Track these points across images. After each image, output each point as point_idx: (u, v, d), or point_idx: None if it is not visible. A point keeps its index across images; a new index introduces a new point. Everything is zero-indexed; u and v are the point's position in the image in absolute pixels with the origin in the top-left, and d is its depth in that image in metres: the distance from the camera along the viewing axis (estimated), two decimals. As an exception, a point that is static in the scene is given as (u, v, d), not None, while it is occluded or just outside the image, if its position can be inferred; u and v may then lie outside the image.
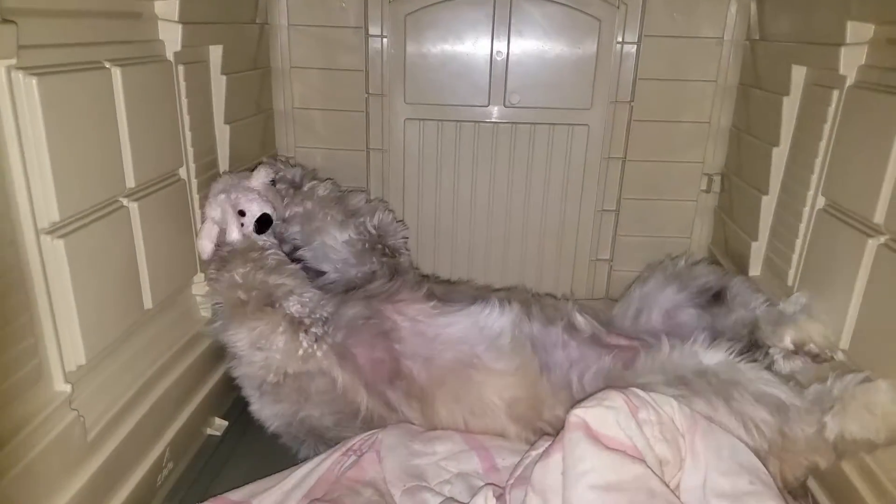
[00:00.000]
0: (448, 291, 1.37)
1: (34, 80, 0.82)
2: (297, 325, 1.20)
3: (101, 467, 0.99)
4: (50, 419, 0.89)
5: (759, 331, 1.24)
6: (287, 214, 1.43)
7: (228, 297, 1.22)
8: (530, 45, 1.62)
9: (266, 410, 1.27)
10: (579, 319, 1.28)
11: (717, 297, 1.33)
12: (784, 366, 1.20)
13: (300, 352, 1.19)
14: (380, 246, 1.45)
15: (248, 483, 1.13)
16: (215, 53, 1.33)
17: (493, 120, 1.68)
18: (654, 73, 1.63)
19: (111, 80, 0.99)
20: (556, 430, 1.13)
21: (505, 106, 1.66)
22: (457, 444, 1.17)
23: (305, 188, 1.46)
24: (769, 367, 1.21)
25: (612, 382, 1.11)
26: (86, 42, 0.95)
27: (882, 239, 0.98)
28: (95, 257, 0.98)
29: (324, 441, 1.25)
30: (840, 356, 1.11)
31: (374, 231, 1.45)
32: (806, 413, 1.01)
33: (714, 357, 1.08)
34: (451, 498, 1.06)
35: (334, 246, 1.43)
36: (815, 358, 1.16)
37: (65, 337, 0.93)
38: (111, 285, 1.03)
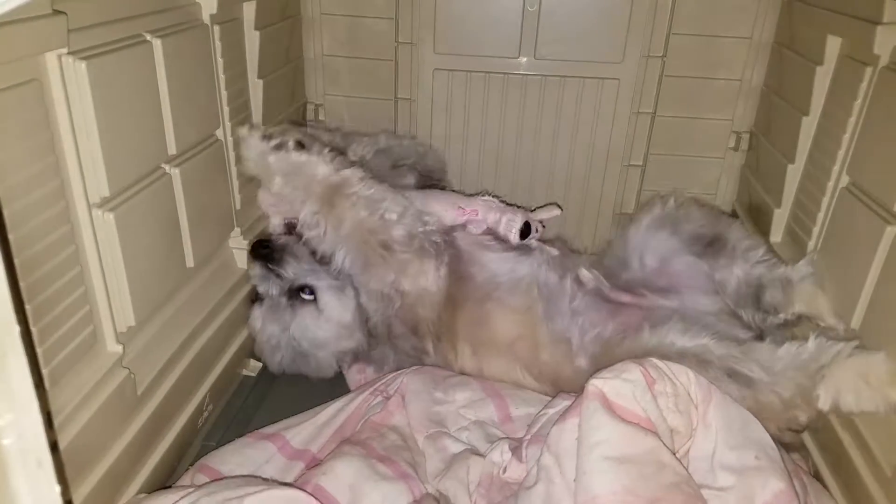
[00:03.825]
0: None
1: (83, 65, 0.84)
2: (423, 252, 1.25)
3: (151, 417, 1.06)
4: (105, 379, 0.95)
5: (765, 294, 1.25)
6: None
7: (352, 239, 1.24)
8: (563, -4, 1.59)
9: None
10: (585, 274, 1.32)
11: (712, 244, 1.31)
12: (787, 325, 1.25)
13: (425, 277, 1.26)
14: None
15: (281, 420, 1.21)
16: (249, 10, 1.32)
17: (523, 72, 1.67)
18: (687, 28, 1.60)
19: (153, 53, 1.01)
20: (553, 372, 1.23)
21: (535, 58, 1.65)
22: (475, 393, 1.24)
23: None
24: (784, 324, 1.26)
25: (610, 349, 1.17)
26: (126, 16, 0.97)
27: (901, 227, 0.98)
28: (142, 225, 1.02)
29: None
30: (841, 330, 1.13)
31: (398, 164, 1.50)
32: (784, 380, 1.04)
33: (690, 341, 1.12)
34: (470, 447, 1.14)
35: None
36: (818, 327, 1.19)
37: (116, 302, 0.98)
38: (157, 249, 1.08)
